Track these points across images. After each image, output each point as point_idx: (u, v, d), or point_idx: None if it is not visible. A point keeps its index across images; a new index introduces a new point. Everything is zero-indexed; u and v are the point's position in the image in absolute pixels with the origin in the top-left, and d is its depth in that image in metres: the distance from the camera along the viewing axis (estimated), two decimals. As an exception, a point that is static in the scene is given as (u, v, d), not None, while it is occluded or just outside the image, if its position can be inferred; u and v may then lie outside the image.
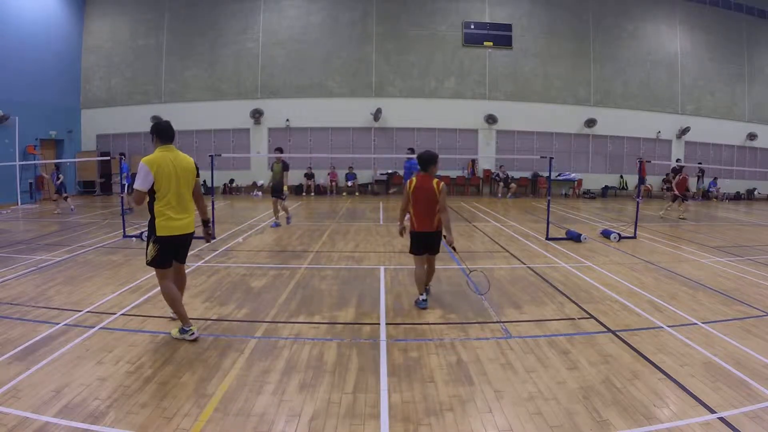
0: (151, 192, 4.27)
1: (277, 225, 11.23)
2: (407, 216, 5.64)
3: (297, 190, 19.89)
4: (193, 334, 4.45)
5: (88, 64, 20.78)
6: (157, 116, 20.32)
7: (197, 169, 4.58)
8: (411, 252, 5.58)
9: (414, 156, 12.50)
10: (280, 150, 11.19)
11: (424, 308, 5.43)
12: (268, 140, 20.53)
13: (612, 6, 21.69)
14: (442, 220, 5.36)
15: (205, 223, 4.83)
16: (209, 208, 4.60)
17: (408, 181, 5.49)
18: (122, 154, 14.78)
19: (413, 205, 5.43)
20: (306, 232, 10.64)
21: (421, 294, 5.54)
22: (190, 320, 4.57)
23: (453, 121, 20.85)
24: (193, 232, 4.60)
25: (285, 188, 10.96)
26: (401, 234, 5.83)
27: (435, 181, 5.36)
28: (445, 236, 5.41)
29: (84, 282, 6.40)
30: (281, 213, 11.37)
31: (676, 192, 14.19)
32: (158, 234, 4.31)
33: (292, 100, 20.50)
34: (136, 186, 4.25)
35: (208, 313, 5.26)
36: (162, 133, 4.39)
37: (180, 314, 4.49)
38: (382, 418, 3.22)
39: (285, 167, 10.95)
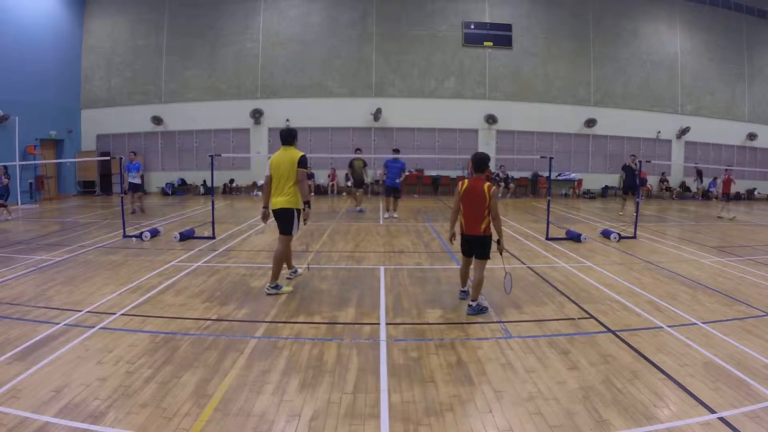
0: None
1: (362, 210, 13.97)
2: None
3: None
4: (296, 272, 6.63)
5: (88, 64, 20.75)
6: (157, 116, 20.40)
7: (301, 162, 5.75)
8: (462, 252, 5.59)
9: (400, 156, 13.09)
10: (359, 150, 14.85)
11: (464, 299, 5.67)
12: (268, 140, 20.51)
13: (612, 6, 21.68)
14: (494, 224, 5.24)
15: (305, 204, 5.92)
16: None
17: (460, 183, 5.40)
18: (133, 152, 14.72)
19: (463, 207, 5.34)
20: (306, 232, 10.63)
21: (463, 287, 5.84)
22: (292, 268, 6.60)
23: (453, 121, 20.82)
24: (280, 209, 5.84)
25: (365, 181, 14.27)
26: (451, 240, 5.61)
27: (486, 184, 5.22)
28: (497, 241, 5.27)
29: (84, 282, 6.40)
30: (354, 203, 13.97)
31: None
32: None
33: (292, 100, 20.48)
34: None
35: (208, 313, 5.26)
36: (280, 137, 5.98)
37: (273, 272, 5.97)
38: (382, 418, 3.22)
39: (364, 164, 14.02)
